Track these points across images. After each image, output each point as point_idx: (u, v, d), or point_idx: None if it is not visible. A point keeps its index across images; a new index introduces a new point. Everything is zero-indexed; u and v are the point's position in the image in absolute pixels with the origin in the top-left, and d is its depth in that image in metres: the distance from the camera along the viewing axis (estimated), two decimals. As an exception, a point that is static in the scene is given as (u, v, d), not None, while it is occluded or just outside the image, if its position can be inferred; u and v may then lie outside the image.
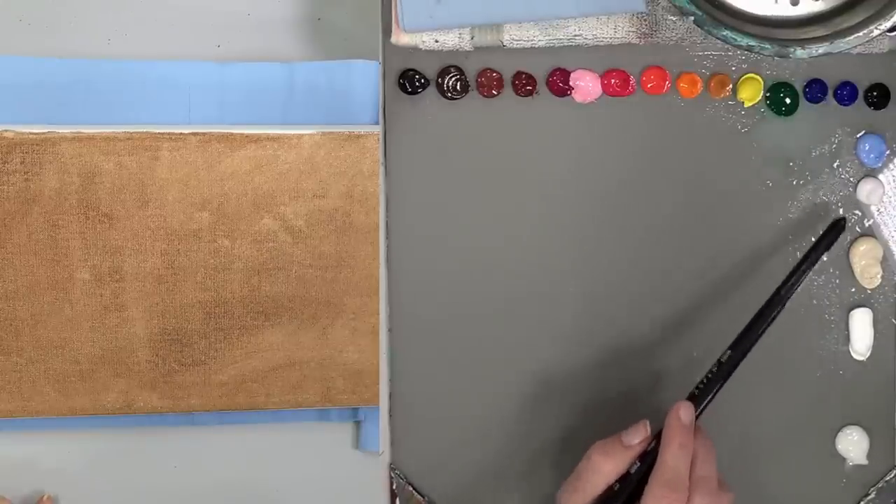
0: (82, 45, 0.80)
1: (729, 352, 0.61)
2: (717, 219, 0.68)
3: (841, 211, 0.69)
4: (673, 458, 0.57)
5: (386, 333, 0.68)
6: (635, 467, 0.58)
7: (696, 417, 0.59)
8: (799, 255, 0.69)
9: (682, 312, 0.68)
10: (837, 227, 0.66)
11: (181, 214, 0.76)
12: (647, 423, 0.59)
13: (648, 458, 0.58)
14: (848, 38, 0.61)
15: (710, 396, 0.60)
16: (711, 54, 0.68)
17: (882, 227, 0.69)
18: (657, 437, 0.59)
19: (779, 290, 0.63)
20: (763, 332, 0.61)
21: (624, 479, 0.58)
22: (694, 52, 0.68)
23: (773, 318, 0.62)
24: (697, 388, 0.61)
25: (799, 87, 0.68)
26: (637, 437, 0.59)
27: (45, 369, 0.77)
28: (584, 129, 0.67)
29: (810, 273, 0.64)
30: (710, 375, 0.61)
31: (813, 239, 0.68)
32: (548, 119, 0.67)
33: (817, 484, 0.70)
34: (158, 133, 0.76)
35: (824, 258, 0.67)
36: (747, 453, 0.69)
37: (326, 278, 0.78)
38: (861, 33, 0.60)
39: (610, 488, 0.58)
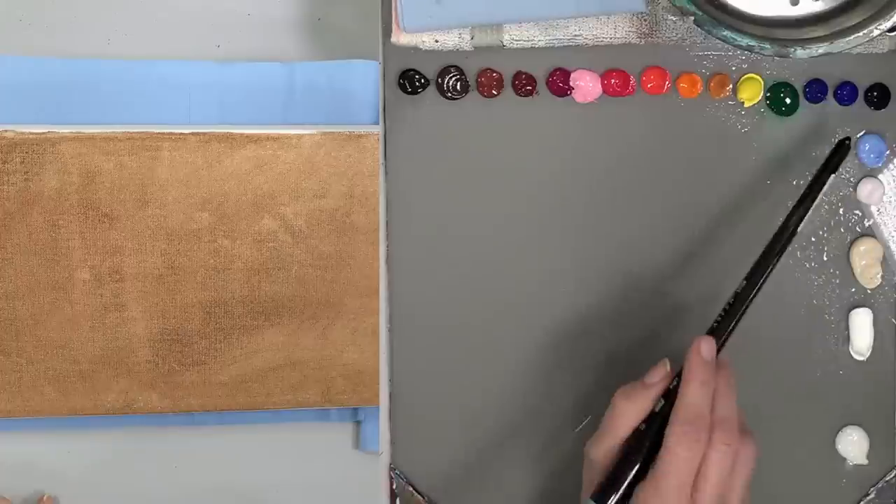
0: (82, 45, 0.81)
1: (744, 282, 0.60)
2: (717, 219, 0.68)
3: (841, 210, 0.69)
4: (693, 395, 0.56)
5: (386, 333, 0.68)
6: (660, 405, 0.58)
7: (718, 352, 0.58)
8: (799, 254, 0.69)
9: (680, 311, 0.68)
10: (843, 146, 0.65)
11: (181, 214, 0.76)
12: (667, 360, 0.59)
13: (672, 396, 0.57)
14: (848, 38, 0.61)
15: (729, 329, 0.60)
16: (711, 54, 0.68)
17: (882, 227, 0.69)
18: (679, 374, 0.58)
19: (789, 216, 0.62)
20: (777, 260, 0.61)
21: (649, 419, 0.58)
22: (694, 52, 0.68)
23: (786, 246, 0.61)
24: (715, 322, 0.60)
25: (799, 87, 0.68)
26: (657, 375, 0.58)
27: (45, 369, 0.77)
28: (584, 129, 0.67)
29: (819, 198, 0.63)
30: (727, 308, 0.60)
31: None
32: (548, 119, 0.67)
33: (817, 484, 0.69)
34: (158, 133, 0.76)
35: (830, 183, 0.65)
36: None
37: (326, 278, 0.78)
38: (861, 33, 0.60)
39: (637, 430, 0.57)
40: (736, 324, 0.60)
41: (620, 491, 0.56)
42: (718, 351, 0.59)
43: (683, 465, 0.54)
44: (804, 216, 0.62)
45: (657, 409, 0.57)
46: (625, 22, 0.66)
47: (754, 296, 0.60)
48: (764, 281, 0.61)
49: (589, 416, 0.68)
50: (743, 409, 0.58)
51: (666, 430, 0.55)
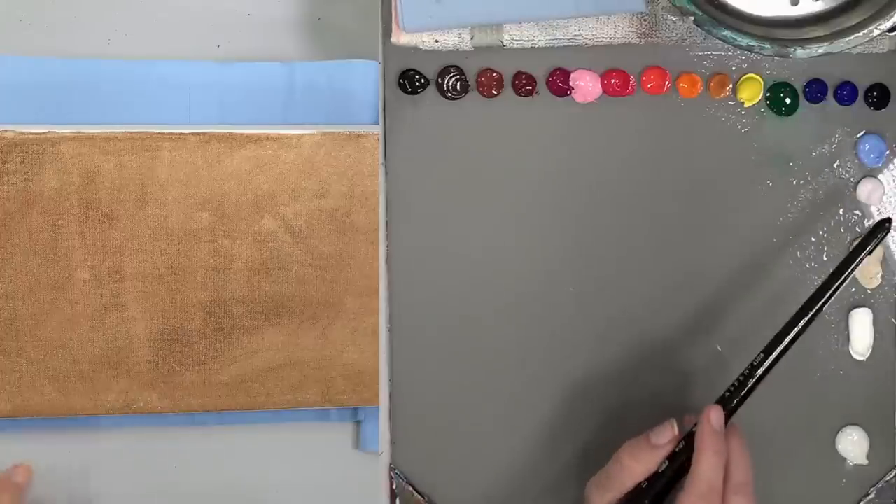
0: (82, 45, 0.80)
1: (762, 355, 0.61)
2: (718, 219, 0.68)
3: (841, 211, 0.69)
4: (707, 466, 0.57)
5: (386, 333, 0.68)
6: (664, 466, 0.59)
7: (727, 421, 0.59)
8: (799, 254, 0.69)
9: (679, 311, 0.68)
10: (882, 227, 0.64)
11: (181, 214, 0.76)
12: (675, 422, 0.60)
13: (678, 457, 0.59)
14: (848, 38, 0.61)
15: (740, 401, 0.60)
16: (711, 54, 0.68)
17: (882, 227, 0.69)
18: (686, 437, 0.59)
19: (818, 292, 0.62)
20: (799, 335, 0.61)
21: (653, 477, 0.59)
22: (694, 52, 0.68)
23: (810, 323, 0.61)
24: (728, 391, 0.60)
25: (799, 87, 0.68)
26: (665, 437, 0.59)
27: (45, 369, 0.77)
28: (584, 129, 0.67)
29: (852, 275, 0.62)
30: (741, 379, 0.60)
31: (816, 237, 0.68)
32: (548, 119, 0.67)
33: (817, 484, 0.70)
34: (158, 133, 0.76)
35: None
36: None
37: (326, 278, 0.78)
38: (861, 33, 0.61)
39: (638, 486, 0.59)
40: (748, 395, 0.60)
41: None
42: (728, 419, 0.59)
43: None
44: (833, 295, 0.62)
45: (661, 470, 0.59)
46: (625, 22, 0.66)
47: (769, 370, 0.60)
48: (781, 356, 0.61)
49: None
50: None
51: (680, 498, 0.57)
